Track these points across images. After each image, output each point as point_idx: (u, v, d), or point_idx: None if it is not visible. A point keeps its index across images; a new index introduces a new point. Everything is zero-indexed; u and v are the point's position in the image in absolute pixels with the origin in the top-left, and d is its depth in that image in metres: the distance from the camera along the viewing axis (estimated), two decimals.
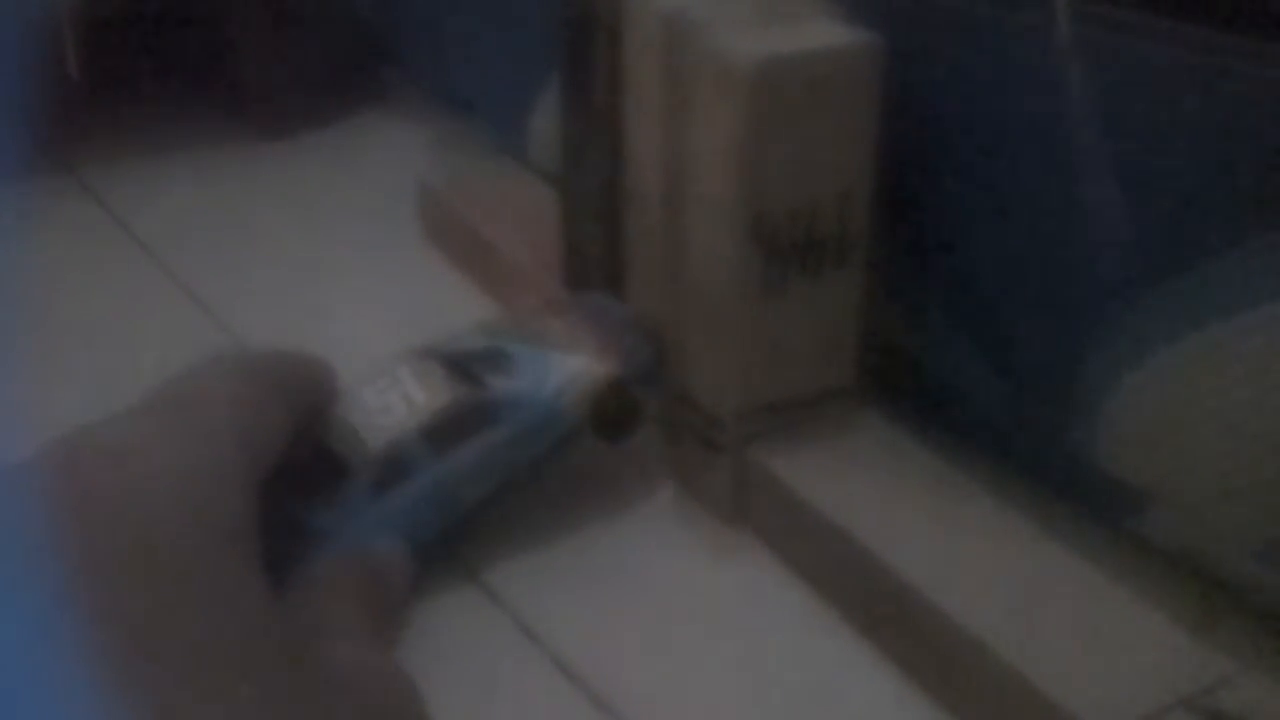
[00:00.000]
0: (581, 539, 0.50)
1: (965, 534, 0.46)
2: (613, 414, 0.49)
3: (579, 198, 0.56)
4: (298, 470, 0.44)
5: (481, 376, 0.48)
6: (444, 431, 0.46)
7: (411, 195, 0.73)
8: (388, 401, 0.47)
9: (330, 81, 0.87)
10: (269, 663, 0.33)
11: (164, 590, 0.32)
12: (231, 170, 0.81)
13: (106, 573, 0.31)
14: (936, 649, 0.43)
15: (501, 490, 0.48)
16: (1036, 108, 0.45)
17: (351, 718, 0.36)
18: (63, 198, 0.77)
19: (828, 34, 0.46)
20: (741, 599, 0.48)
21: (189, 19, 0.84)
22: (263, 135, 0.84)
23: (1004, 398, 0.49)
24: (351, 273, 0.70)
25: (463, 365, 0.48)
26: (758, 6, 0.48)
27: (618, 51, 0.51)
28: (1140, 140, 0.42)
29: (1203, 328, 0.41)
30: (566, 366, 0.49)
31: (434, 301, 0.67)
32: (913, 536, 0.45)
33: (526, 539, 0.50)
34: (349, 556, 0.44)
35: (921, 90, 0.47)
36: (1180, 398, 0.42)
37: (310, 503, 0.45)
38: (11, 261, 0.65)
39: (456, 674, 0.45)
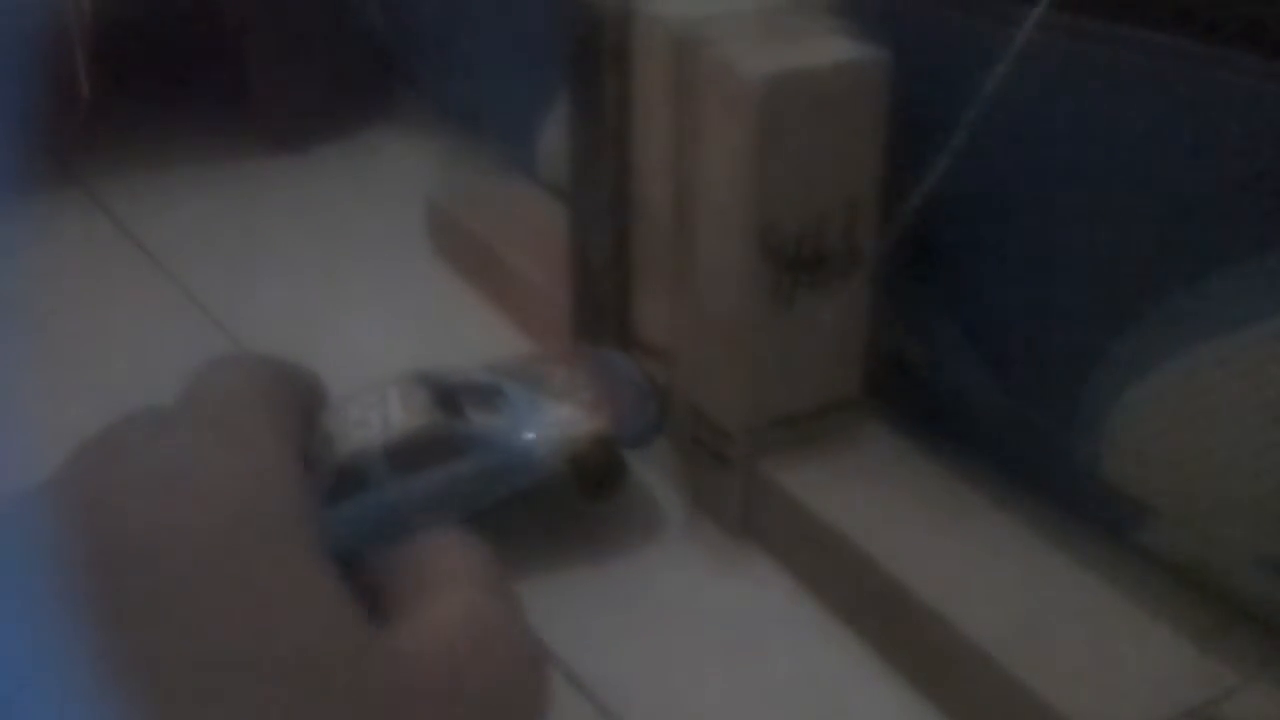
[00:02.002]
0: (591, 551, 0.51)
1: (972, 546, 0.46)
2: (594, 471, 0.49)
3: (588, 212, 0.56)
4: None
5: (464, 409, 0.47)
6: (408, 454, 0.46)
7: (421, 210, 0.74)
8: (368, 417, 0.46)
9: (341, 97, 0.88)
10: (344, 678, 0.33)
11: (243, 613, 0.31)
12: (242, 184, 0.81)
13: (178, 606, 0.31)
14: (943, 660, 0.43)
15: (452, 519, 0.46)
16: (1039, 123, 0.45)
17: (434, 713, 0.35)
18: (73, 211, 0.77)
19: (834, 50, 0.46)
20: (750, 611, 0.48)
21: (200, 34, 0.84)
22: (273, 149, 0.84)
23: (1009, 411, 0.49)
24: (361, 286, 0.70)
25: (451, 395, 0.48)
26: (764, 23, 0.49)
27: (626, 68, 0.51)
28: (1144, 155, 0.42)
29: (1206, 342, 0.41)
30: (554, 415, 0.49)
31: (442, 315, 0.67)
32: (920, 549, 0.46)
33: (536, 552, 0.50)
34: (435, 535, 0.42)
35: (926, 105, 0.48)
36: (1184, 411, 0.42)
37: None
38: (22, 273, 0.65)
39: None
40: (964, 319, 0.50)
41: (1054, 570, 0.45)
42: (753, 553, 0.50)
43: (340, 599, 0.34)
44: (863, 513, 0.47)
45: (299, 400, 0.42)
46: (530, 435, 0.48)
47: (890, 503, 0.48)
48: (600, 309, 0.57)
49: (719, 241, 0.48)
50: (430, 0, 0.80)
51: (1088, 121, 0.44)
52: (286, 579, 0.33)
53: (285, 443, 0.37)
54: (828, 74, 0.45)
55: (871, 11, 0.49)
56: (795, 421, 0.50)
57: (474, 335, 0.65)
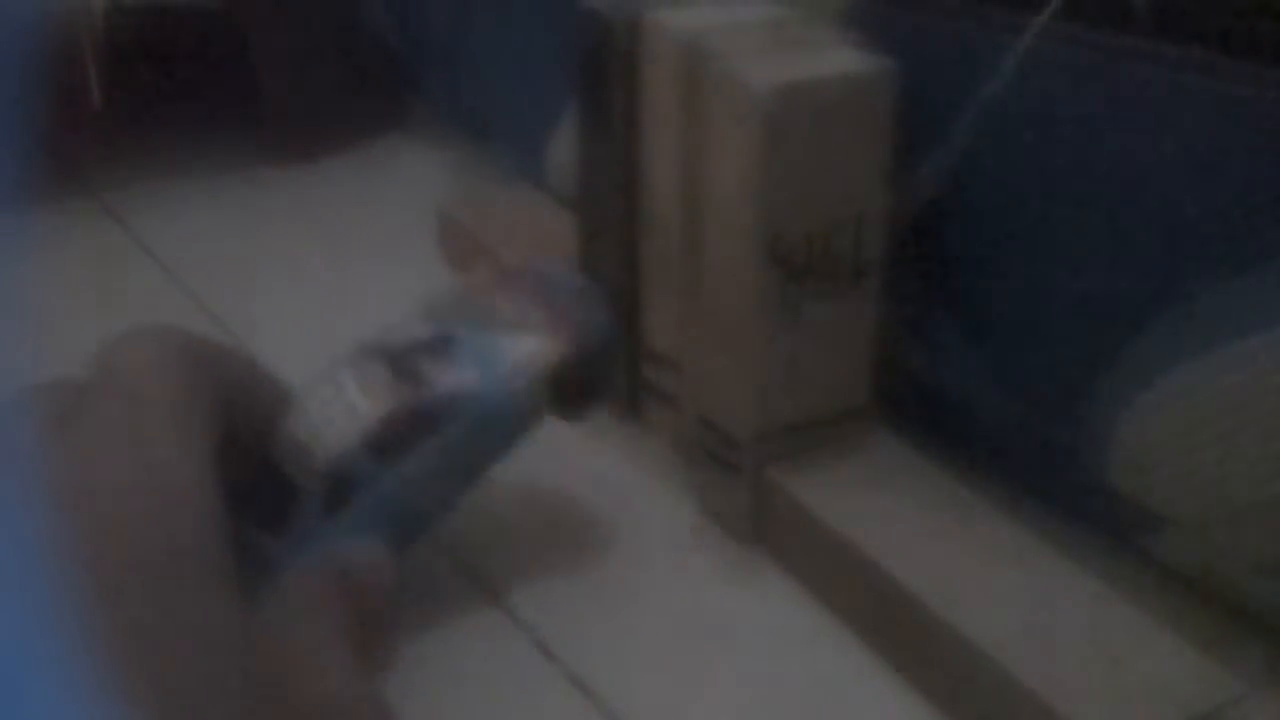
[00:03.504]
0: (600, 559, 0.51)
1: (979, 553, 0.46)
2: (571, 393, 0.47)
3: (596, 222, 0.56)
4: (251, 496, 0.42)
5: (427, 373, 0.45)
6: (389, 440, 0.43)
7: (430, 220, 0.74)
8: (332, 412, 0.44)
9: (351, 107, 0.88)
10: (237, 708, 0.32)
11: (138, 622, 0.31)
12: (252, 194, 0.81)
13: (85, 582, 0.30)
14: (950, 667, 0.43)
15: (465, 488, 0.46)
16: (1045, 131, 0.45)
17: None
18: (85, 220, 0.77)
19: (841, 61, 0.47)
20: (758, 619, 0.48)
21: (211, 45, 0.85)
22: (284, 160, 0.84)
23: (1016, 418, 0.49)
24: (371, 296, 0.70)
25: (407, 361, 0.45)
26: (772, 34, 0.49)
27: (634, 78, 0.51)
28: (1150, 163, 0.42)
29: (1212, 349, 0.41)
30: (517, 349, 0.46)
31: None
32: (927, 556, 0.46)
33: (545, 558, 0.50)
34: (320, 567, 0.41)
35: (932, 114, 0.48)
36: (1190, 418, 0.42)
37: (264, 530, 0.43)
38: (34, 283, 0.65)
39: (474, 693, 0.45)
40: (970, 326, 0.50)
41: (1060, 577, 0.45)
42: (761, 560, 0.51)
43: (232, 644, 0.33)
44: (871, 520, 0.47)
45: (220, 383, 0.40)
46: (502, 377, 0.45)
47: (898, 510, 0.48)
48: None
49: (727, 251, 0.48)
50: (440, 11, 0.80)
51: (1092, 130, 0.44)
52: (181, 621, 0.32)
53: (193, 447, 0.36)
54: (835, 84, 0.46)
55: (878, 22, 0.49)
56: (803, 430, 0.50)
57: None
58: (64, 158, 0.77)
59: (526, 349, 0.46)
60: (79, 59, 0.79)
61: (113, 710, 0.29)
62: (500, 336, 0.46)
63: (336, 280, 0.72)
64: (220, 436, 0.38)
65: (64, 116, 0.77)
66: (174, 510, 0.34)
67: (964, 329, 0.50)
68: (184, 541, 0.34)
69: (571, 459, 0.54)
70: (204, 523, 0.35)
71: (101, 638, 0.30)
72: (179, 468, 0.35)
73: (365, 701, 0.38)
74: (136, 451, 0.35)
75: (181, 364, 0.39)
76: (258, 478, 0.43)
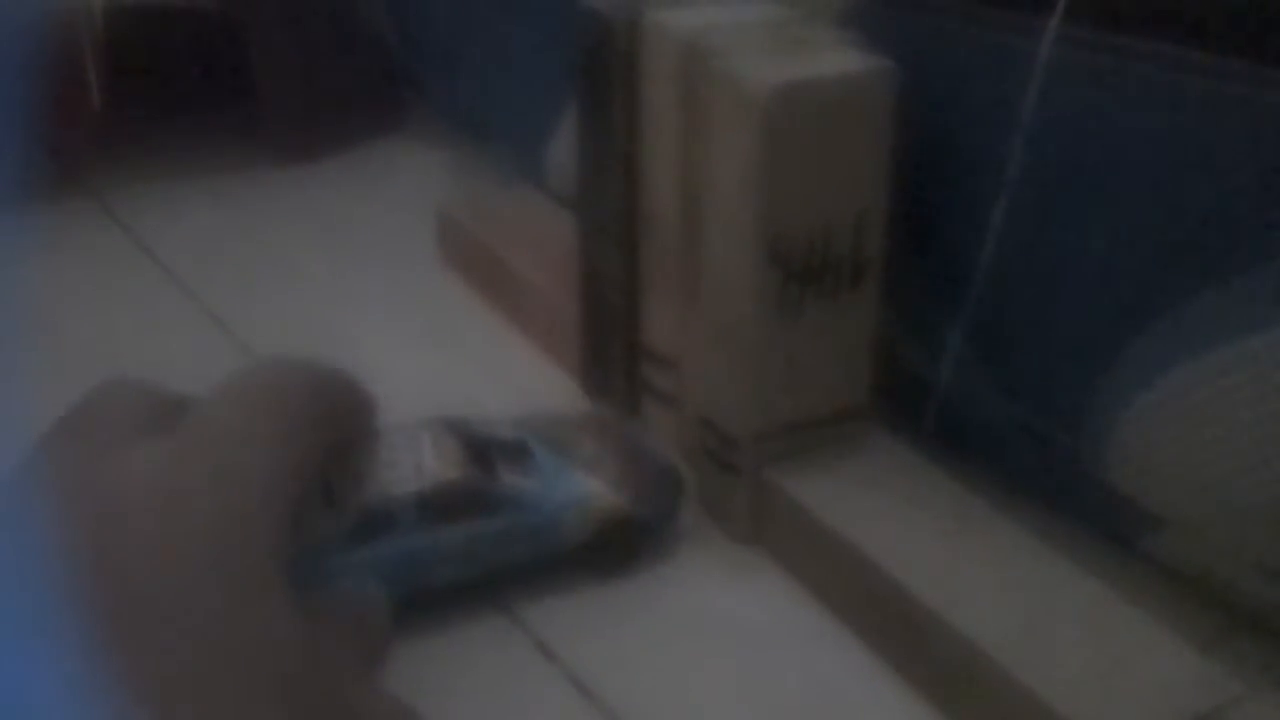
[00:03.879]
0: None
1: (978, 553, 0.46)
2: (616, 548, 0.49)
3: (596, 223, 0.56)
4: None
5: (496, 466, 0.48)
6: (440, 505, 0.46)
7: (430, 220, 0.74)
8: (399, 459, 0.46)
9: (350, 108, 0.88)
10: (303, 711, 0.33)
11: (200, 641, 0.32)
12: (253, 195, 0.81)
13: (140, 619, 0.31)
14: (950, 667, 0.43)
15: (476, 581, 0.48)
16: (1046, 132, 0.45)
17: None
18: (84, 221, 0.78)
19: (842, 61, 0.47)
20: (757, 618, 0.48)
21: (210, 46, 0.85)
22: (284, 160, 0.84)
23: (1015, 419, 0.49)
24: (370, 296, 0.70)
25: (483, 449, 0.48)
26: (773, 34, 0.49)
27: (635, 79, 0.51)
28: (1151, 165, 0.42)
29: (1212, 350, 0.41)
30: (582, 486, 0.49)
31: (451, 325, 0.68)
32: (926, 556, 0.46)
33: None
34: (333, 598, 0.41)
35: (933, 115, 0.48)
36: (1190, 419, 0.42)
37: (293, 532, 0.44)
38: (33, 283, 0.65)
39: (475, 693, 0.45)
40: (971, 327, 0.50)
41: (1059, 577, 0.45)
42: (760, 560, 0.51)
43: (306, 654, 0.34)
44: (870, 520, 0.47)
45: (332, 424, 0.41)
46: (559, 503, 0.48)
47: (897, 510, 0.48)
48: (609, 319, 0.57)
49: (727, 251, 0.48)
50: (440, 12, 0.81)
51: (1094, 130, 0.44)
52: (250, 637, 0.33)
53: (283, 482, 0.37)
54: (835, 84, 0.46)
55: (878, 23, 0.49)
56: (803, 430, 0.50)
57: (483, 345, 0.65)
58: (64, 158, 0.77)
59: (589, 490, 0.49)
60: (79, 60, 0.79)
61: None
62: (573, 468, 0.49)
63: (336, 280, 0.72)
64: (310, 463, 0.39)
65: (64, 117, 0.78)
66: (251, 520, 0.35)
67: (965, 329, 0.50)
68: (261, 551, 0.35)
69: None
70: (278, 537, 0.36)
71: (157, 659, 0.31)
72: (260, 481, 0.36)
73: (401, 703, 0.39)
74: (220, 456, 0.36)
75: (294, 393, 0.39)
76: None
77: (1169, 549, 0.46)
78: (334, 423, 0.41)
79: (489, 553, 0.47)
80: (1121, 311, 0.44)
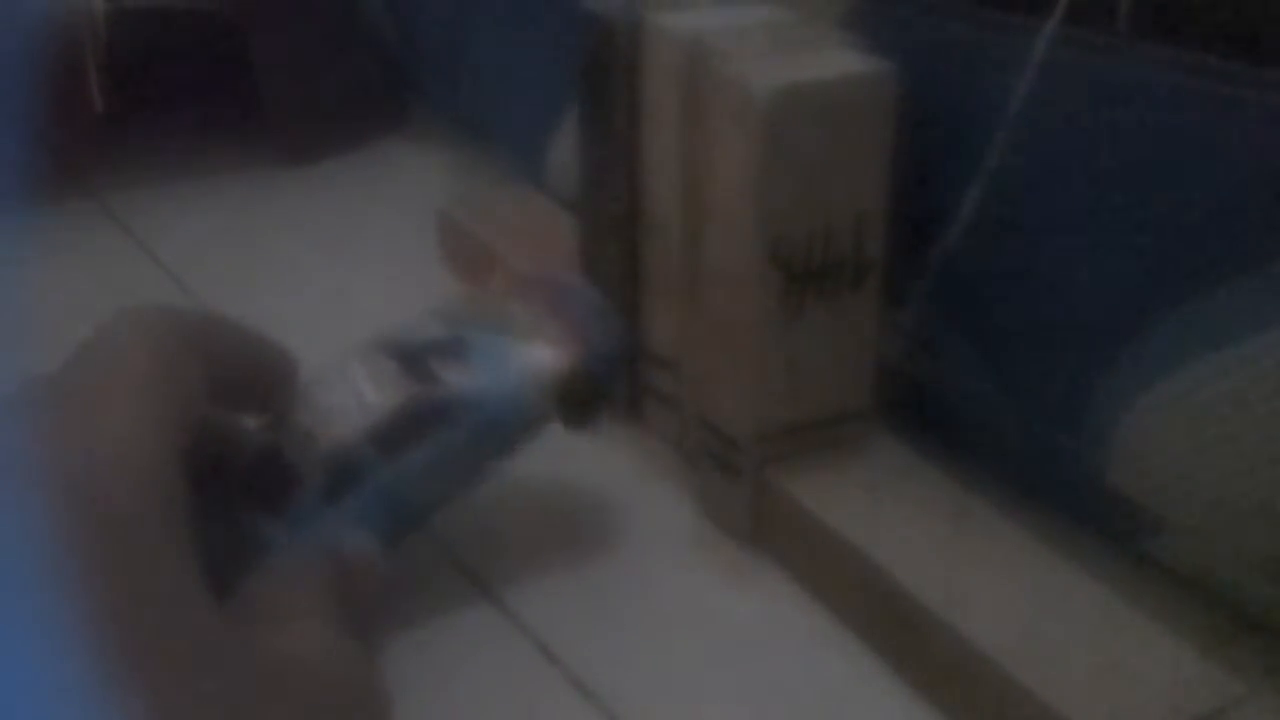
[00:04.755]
0: (600, 560, 0.51)
1: (979, 555, 0.46)
2: (577, 402, 0.47)
3: (598, 224, 0.56)
4: (253, 480, 0.43)
5: (438, 372, 0.45)
6: (395, 434, 0.44)
7: (431, 221, 0.74)
8: (340, 401, 0.45)
9: (352, 108, 0.88)
10: (201, 651, 0.33)
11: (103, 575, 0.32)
12: (254, 196, 0.82)
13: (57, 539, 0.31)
14: (951, 669, 0.43)
15: (462, 487, 0.46)
16: (1046, 134, 0.45)
17: (288, 703, 0.36)
18: (86, 223, 0.78)
19: (842, 63, 0.47)
20: (757, 620, 0.48)
21: (212, 47, 0.85)
22: (285, 162, 0.84)
23: (1017, 420, 0.49)
24: (372, 297, 0.70)
25: (419, 359, 0.46)
26: (773, 36, 0.49)
27: (636, 80, 0.51)
28: (1150, 166, 0.42)
29: (1214, 350, 0.41)
30: (529, 357, 0.46)
31: None
32: (927, 558, 0.46)
33: (545, 560, 0.50)
34: (313, 552, 0.42)
35: (933, 117, 0.48)
36: (1192, 421, 0.42)
37: (263, 513, 0.44)
38: (35, 285, 0.65)
39: (476, 695, 0.45)
40: (972, 328, 0.50)
41: (1061, 579, 0.45)
42: (761, 562, 0.51)
43: (191, 595, 0.34)
44: (871, 522, 0.47)
45: (210, 358, 0.41)
46: (512, 383, 0.46)
47: (898, 512, 0.48)
48: None
49: (728, 252, 0.48)
50: (441, 12, 0.81)
51: (1094, 132, 0.44)
52: (130, 578, 0.33)
53: (156, 425, 0.36)
54: (836, 86, 0.46)
55: (879, 25, 0.49)
56: (804, 431, 0.50)
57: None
58: (65, 160, 0.77)
59: (537, 357, 0.46)
60: (80, 61, 0.79)
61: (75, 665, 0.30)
62: (512, 343, 0.47)
63: (337, 281, 0.72)
64: (200, 410, 0.39)
65: (65, 118, 0.78)
66: (123, 476, 0.35)
67: (966, 331, 0.50)
68: (131, 507, 0.35)
69: (572, 460, 0.54)
70: (152, 490, 0.35)
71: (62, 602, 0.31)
72: (134, 436, 0.36)
73: (338, 656, 0.39)
74: (95, 419, 0.36)
75: (160, 339, 0.39)
76: (260, 460, 0.44)
77: (1170, 550, 0.46)
78: (205, 359, 0.40)
79: (464, 460, 0.46)
80: (1123, 313, 0.44)
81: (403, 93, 0.91)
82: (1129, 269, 0.44)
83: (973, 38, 0.47)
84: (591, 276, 0.57)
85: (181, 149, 0.85)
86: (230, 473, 0.44)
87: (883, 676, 0.46)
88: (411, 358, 0.46)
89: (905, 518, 0.48)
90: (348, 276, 0.72)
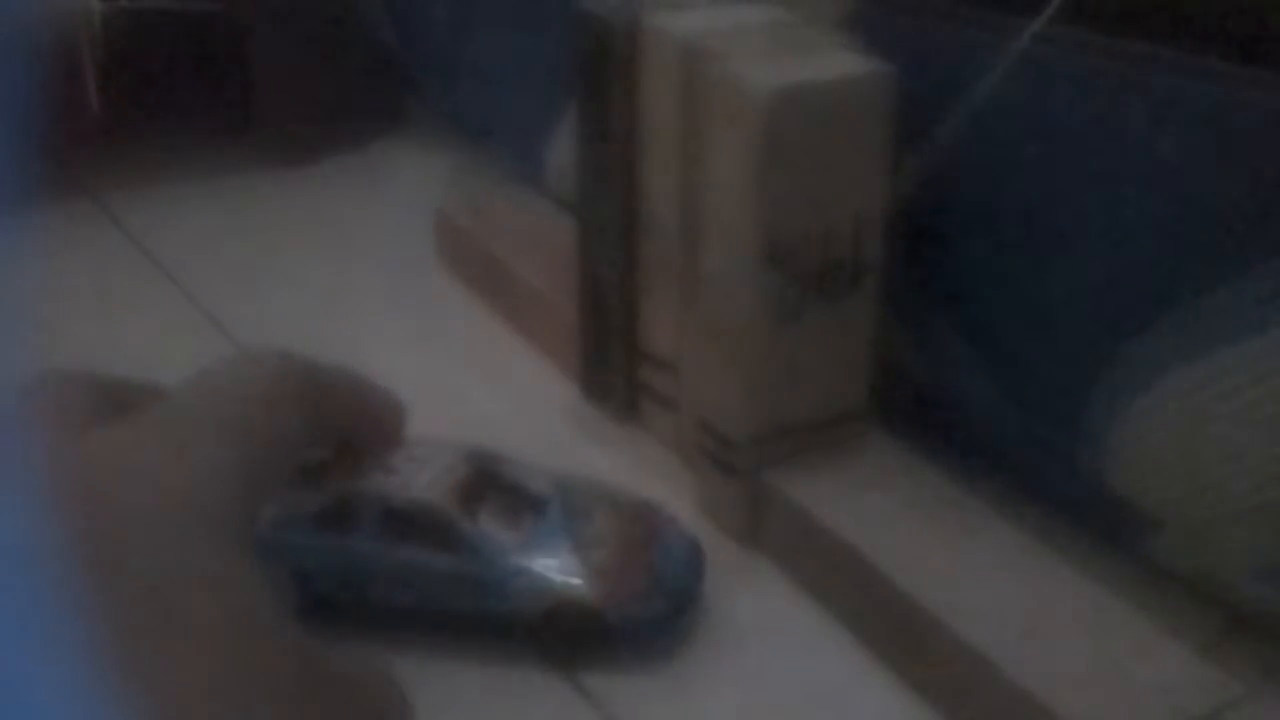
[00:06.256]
0: None
1: (976, 556, 0.46)
2: (564, 636, 0.46)
3: (595, 225, 0.56)
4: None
5: (483, 509, 0.46)
6: (400, 523, 0.45)
7: (429, 222, 0.74)
8: (404, 468, 0.45)
9: (350, 109, 0.88)
10: (276, 661, 0.33)
11: (152, 615, 0.32)
12: (252, 196, 0.81)
13: (94, 598, 0.31)
14: (947, 669, 0.43)
15: (414, 612, 0.46)
16: (1043, 135, 0.45)
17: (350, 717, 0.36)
18: (84, 223, 0.77)
19: (841, 64, 0.47)
20: (755, 619, 0.48)
21: (210, 47, 0.85)
22: (283, 162, 0.84)
23: (1014, 421, 0.49)
24: (369, 298, 0.70)
25: (486, 488, 0.47)
26: (771, 37, 0.49)
27: (634, 81, 0.51)
28: (1148, 167, 0.42)
29: (1211, 353, 0.41)
30: (555, 561, 0.46)
31: (450, 327, 0.68)
32: (924, 558, 0.46)
33: None
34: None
35: (931, 118, 0.48)
36: (1188, 422, 0.42)
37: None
38: (33, 285, 0.65)
39: (475, 695, 0.45)
40: (969, 330, 0.50)
41: (1058, 579, 0.45)
42: (759, 562, 0.51)
43: (257, 593, 0.34)
44: (868, 522, 0.47)
45: (308, 410, 0.41)
46: (515, 569, 0.45)
47: (896, 513, 0.48)
48: (608, 321, 0.57)
49: (726, 253, 0.48)
50: (439, 13, 0.81)
51: (1092, 134, 0.44)
52: (203, 569, 0.33)
53: (242, 464, 0.36)
54: (834, 87, 0.46)
55: (876, 26, 0.49)
56: (802, 432, 0.50)
57: (481, 348, 0.66)
58: (63, 160, 0.77)
59: (558, 567, 0.46)
60: (78, 62, 0.79)
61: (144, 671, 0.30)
62: (565, 542, 0.46)
63: (335, 282, 0.72)
64: (275, 467, 0.39)
65: (64, 119, 0.77)
66: (208, 493, 0.35)
67: (963, 333, 0.50)
68: (223, 518, 0.35)
69: (571, 461, 0.54)
70: (235, 516, 0.36)
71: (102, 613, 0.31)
72: (209, 479, 0.36)
73: (389, 679, 0.39)
74: (184, 451, 0.36)
75: (265, 383, 0.39)
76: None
77: (1168, 551, 0.46)
78: (312, 410, 0.41)
79: (428, 588, 0.45)
80: (1120, 314, 0.44)
81: (401, 93, 0.91)
82: (1127, 270, 0.44)
83: (971, 38, 0.47)
84: (589, 275, 0.57)
85: (180, 149, 0.85)
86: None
87: (880, 676, 0.46)
88: (485, 484, 0.47)
89: (903, 518, 0.48)
90: (345, 277, 0.72)
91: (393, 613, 0.46)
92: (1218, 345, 0.41)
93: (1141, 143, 0.42)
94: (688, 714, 0.44)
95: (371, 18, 0.88)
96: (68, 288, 0.69)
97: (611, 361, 0.58)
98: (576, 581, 0.45)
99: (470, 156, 0.84)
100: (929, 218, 0.50)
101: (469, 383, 0.62)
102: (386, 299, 0.71)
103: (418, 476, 0.46)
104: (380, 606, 0.46)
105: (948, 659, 0.43)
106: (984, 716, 0.42)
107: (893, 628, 0.45)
